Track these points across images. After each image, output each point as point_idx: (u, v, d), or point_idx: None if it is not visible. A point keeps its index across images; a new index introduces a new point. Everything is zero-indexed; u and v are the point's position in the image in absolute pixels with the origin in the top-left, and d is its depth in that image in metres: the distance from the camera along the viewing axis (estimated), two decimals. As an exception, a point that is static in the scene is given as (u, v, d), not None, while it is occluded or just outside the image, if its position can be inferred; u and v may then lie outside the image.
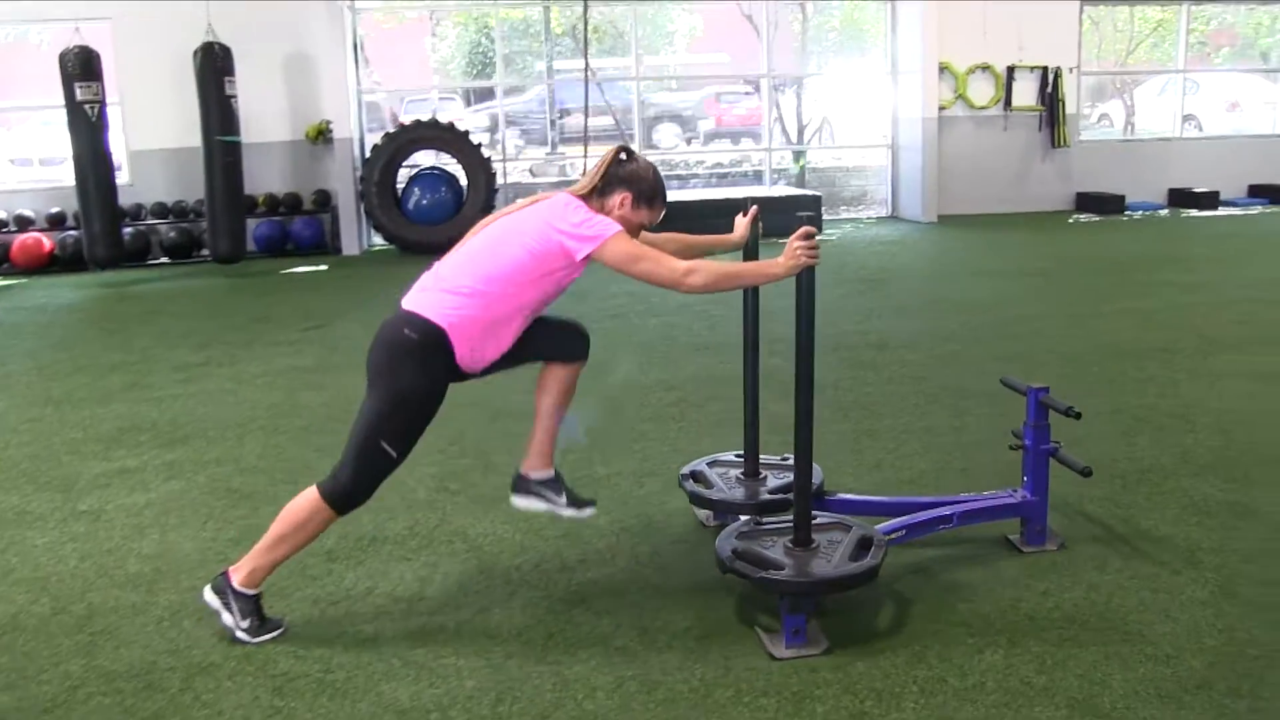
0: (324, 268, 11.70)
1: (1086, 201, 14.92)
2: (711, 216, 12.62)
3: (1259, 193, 15.94)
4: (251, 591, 3.32)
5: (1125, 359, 6.58)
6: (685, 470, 4.10)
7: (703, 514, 4.21)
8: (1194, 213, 14.90)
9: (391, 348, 3.22)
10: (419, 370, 3.21)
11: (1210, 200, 15.21)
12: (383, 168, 12.19)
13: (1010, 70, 14.64)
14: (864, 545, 3.37)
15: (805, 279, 3.19)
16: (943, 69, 14.29)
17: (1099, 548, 3.89)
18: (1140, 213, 14.86)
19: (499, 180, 13.07)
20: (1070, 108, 14.94)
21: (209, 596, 3.36)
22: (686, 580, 3.74)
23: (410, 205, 12.30)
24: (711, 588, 3.61)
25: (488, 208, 12.38)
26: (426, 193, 12.37)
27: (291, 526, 3.28)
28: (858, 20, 16.82)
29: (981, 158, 14.62)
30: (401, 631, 3.41)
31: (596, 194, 3.38)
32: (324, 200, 12.72)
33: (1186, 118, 19.93)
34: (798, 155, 15.70)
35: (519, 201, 3.43)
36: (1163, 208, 15.31)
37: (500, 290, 3.23)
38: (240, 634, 3.29)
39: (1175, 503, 4.28)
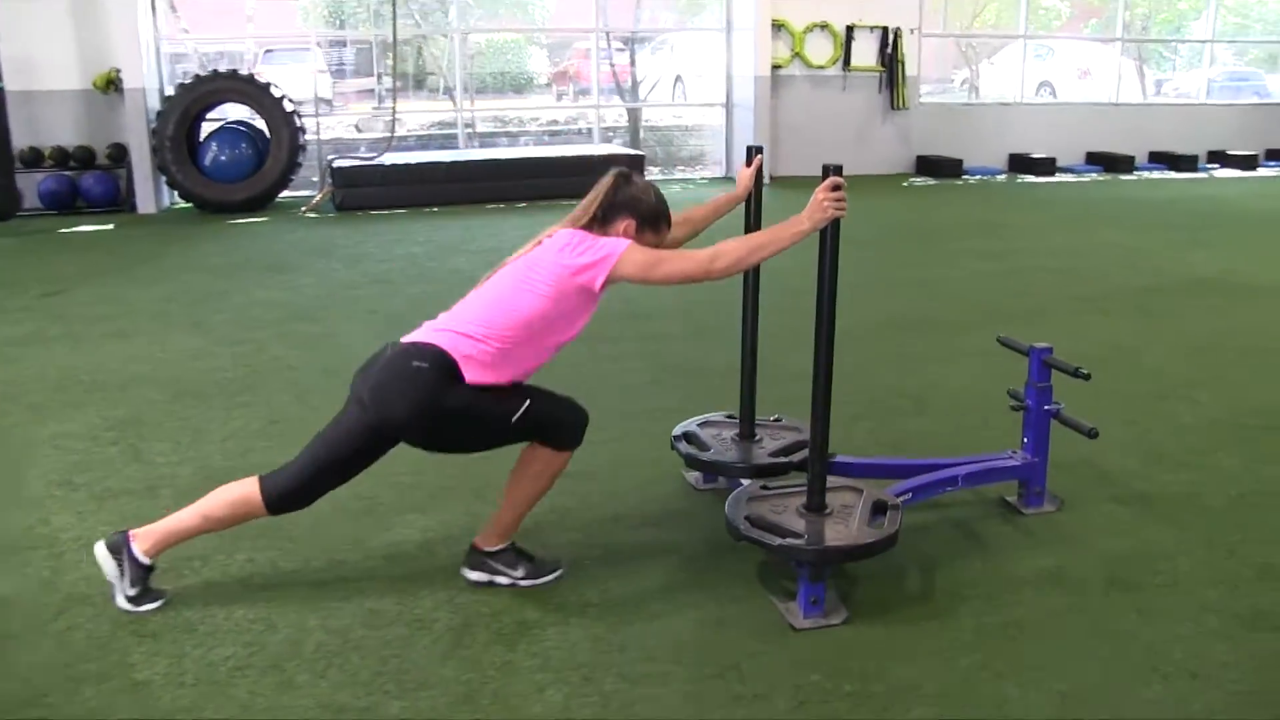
0: (110, 227, 10.92)
1: (926, 165, 14.72)
2: (532, 175, 12.50)
3: (1096, 160, 15.92)
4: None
5: (890, 334, 6.28)
6: (678, 431, 3.90)
7: (692, 476, 4.07)
8: (1030, 178, 14.81)
9: (400, 376, 3.03)
10: (437, 398, 3.01)
11: (1047, 166, 15.12)
12: (178, 121, 11.44)
13: (849, 29, 14.32)
14: (879, 510, 3.24)
15: (830, 232, 3.03)
16: (779, 27, 13.94)
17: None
18: (978, 177, 14.71)
19: (315, 135, 12.42)
20: (911, 69, 14.69)
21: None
22: (695, 547, 3.58)
23: (207, 161, 11.57)
24: (718, 552, 3.49)
25: (292, 165, 11.77)
26: (225, 148, 11.64)
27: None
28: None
29: (819, 118, 14.30)
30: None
31: (597, 223, 3.20)
32: (119, 155, 11.93)
33: (1042, 84, 19.97)
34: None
35: (526, 245, 3.22)
36: (1001, 173, 15.18)
37: (517, 335, 3.07)
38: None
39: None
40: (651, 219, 3.25)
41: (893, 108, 14.64)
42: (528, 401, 3.09)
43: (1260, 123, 17.68)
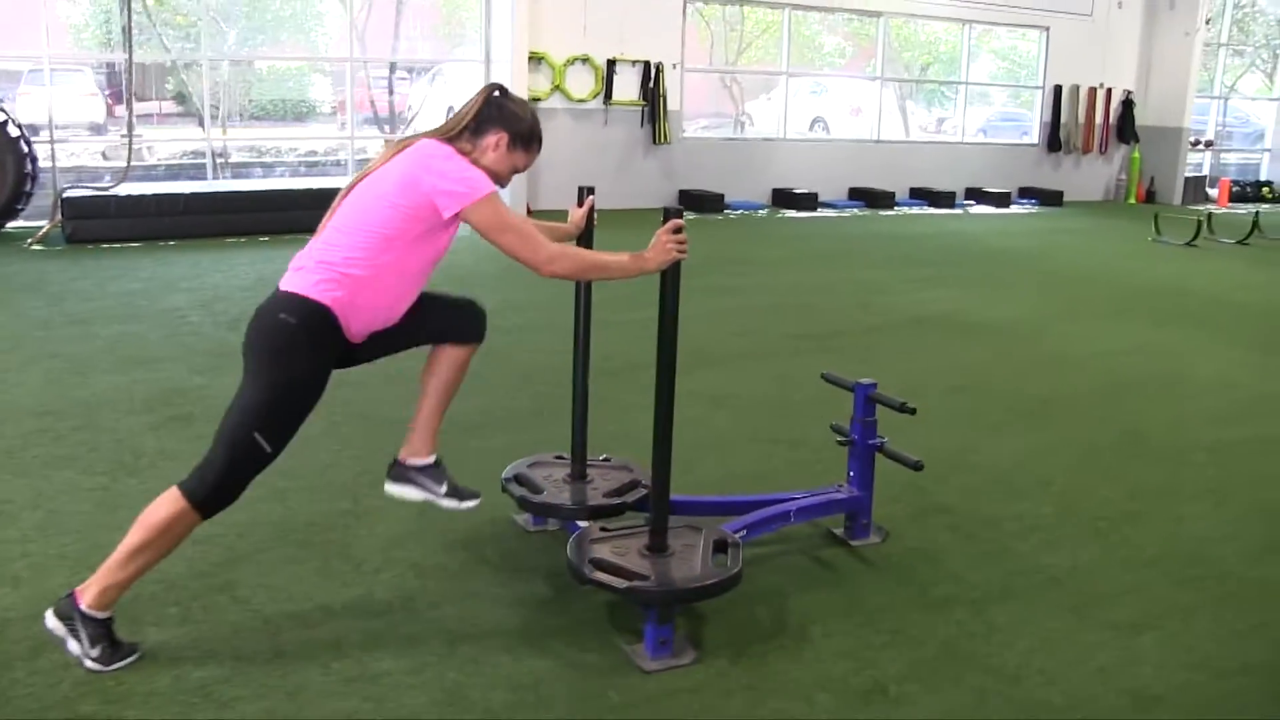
0: None
1: (688, 199, 14.65)
2: (274, 209, 11.80)
3: (858, 195, 16.17)
4: (102, 615, 2.94)
5: (598, 379, 5.97)
6: (509, 474, 3.84)
7: (522, 518, 4.00)
8: (792, 213, 14.90)
9: (270, 335, 2.95)
10: (300, 356, 2.95)
11: (809, 201, 15.27)
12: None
13: (611, 63, 14.19)
14: (720, 548, 3.28)
15: (671, 274, 3.08)
16: (539, 59, 13.70)
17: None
18: (740, 212, 14.73)
19: (50, 163, 11.54)
20: (673, 104, 14.64)
21: (51, 623, 2.95)
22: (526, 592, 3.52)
23: (-89, 191, 10.59)
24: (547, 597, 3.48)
25: (19, 194, 10.88)
26: (-68, 177, 10.67)
27: (151, 535, 2.91)
28: (457, 4, 16.01)
29: (581, 152, 14.10)
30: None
31: (469, 133, 3.11)
32: None
33: (816, 120, 20.31)
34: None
35: (381, 153, 3.13)
36: (764, 208, 15.25)
37: (377, 259, 2.97)
38: (90, 663, 2.91)
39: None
40: (524, 137, 3.18)
41: (655, 142, 14.55)
42: (272, 447, 2.95)
43: (1015, 161, 18.35)
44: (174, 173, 13.79)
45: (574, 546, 3.24)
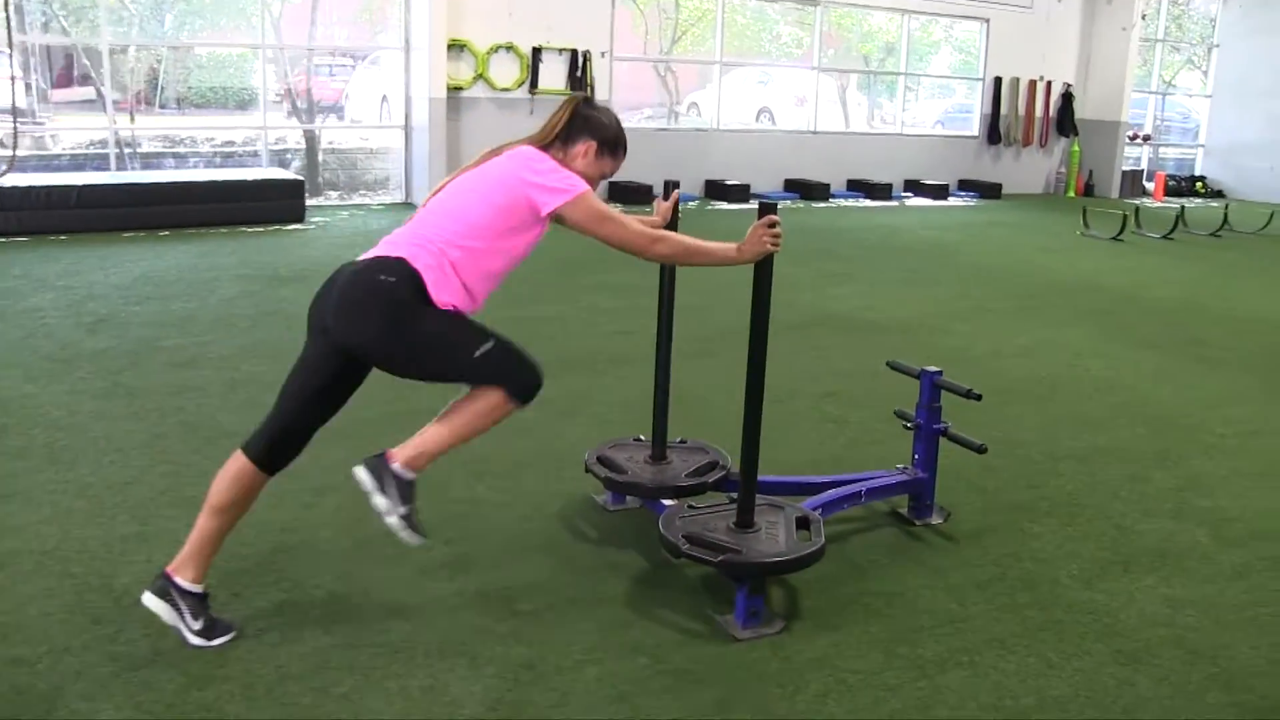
0: None
1: (616, 191, 14.42)
2: (175, 201, 11.40)
3: (793, 187, 16.00)
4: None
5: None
6: (592, 456, 4.07)
7: (601, 498, 4.23)
8: (723, 205, 14.70)
9: (375, 295, 2.97)
10: (411, 309, 2.97)
11: (741, 193, 15.07)
12: None
13: (536, 51, 13.93)
14: (802, 524, 3.50)
15: (764, 265, 3.25)
16: (462, 47, 13.41)
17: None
18: (669, 204, 14.49)
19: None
20: (602, 93, 14.40)
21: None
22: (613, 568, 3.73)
23: None
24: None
25: None
26: None
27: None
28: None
29: (506, 142, 13.82)
30: None
31: (559, 141, 3.26)
32: None
33: (762, 110, 20.09)
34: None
35: (476, 157, 3.26)
36: (694, 199, 15.04)
37: (469, 243, 3.05)
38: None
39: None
40: (611, 144, 3.31)
41: (582, 132, 14.28)
42: (493, 341, 3.03)
43: (955, 153, 18.24)
44: (79, 163, 13.35)
45: (665, 524, 3.46)
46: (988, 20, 18.09)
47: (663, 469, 4.01)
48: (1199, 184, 20.34)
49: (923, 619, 3.43)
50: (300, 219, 11.60)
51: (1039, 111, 18.77)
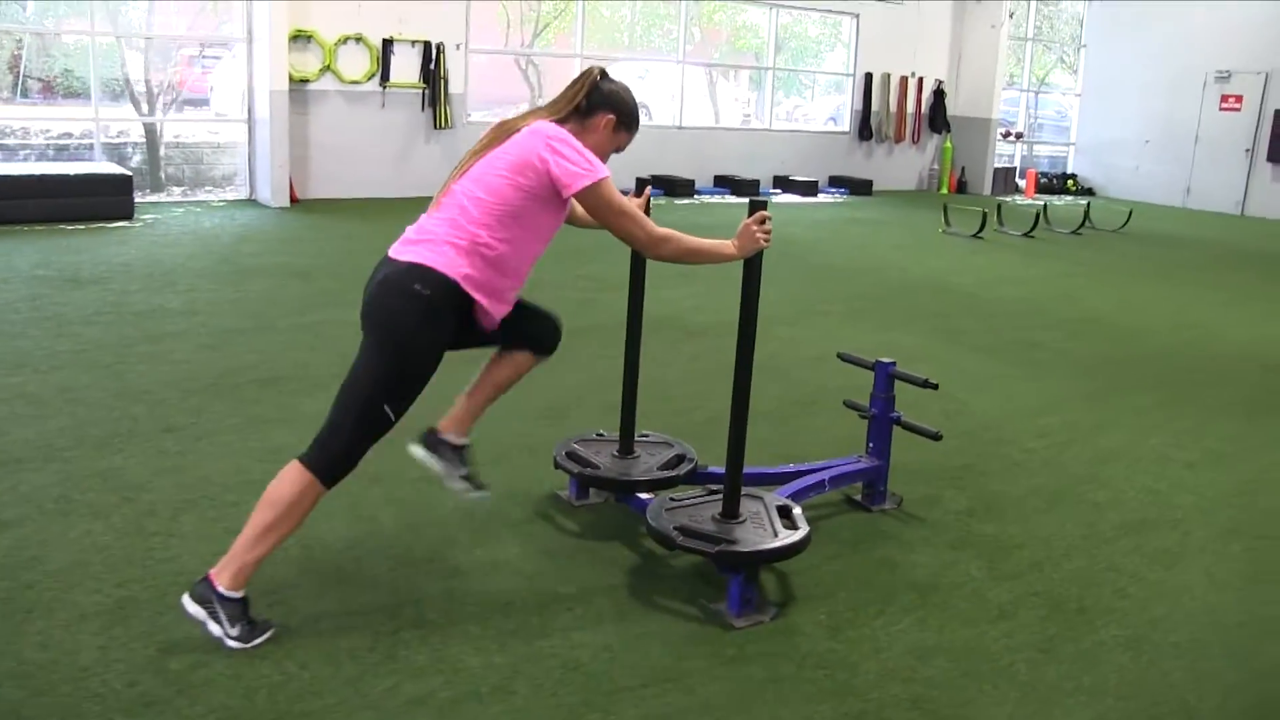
0: None
1: (473, 188, 13.97)
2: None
3: (657, 184, 15.67)
4: (238, 595, 3.02)
5: (228, 391, 5.30)
6: (562, 450, 4.11)
7: (565, 494, 4.25)
8: (583, 202, 14.31)
9: (402, 305, 3.03)
10: (430, 327, 3.05)
11: (601, 190, 14.68)
12: None
13: (387, 43, 13.41)
14: (784, 513, 3.57)
15: (754, 261, 3.33)
16: (308, 38, 12.86)
17: None
18: (527, 201, 14.08)
19: None
20: (456, 86, 13.94)
21: (191, 608, 3.02)
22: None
23: None
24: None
25: None
26: None
27: (279, 511, 3.00)
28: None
29: (356, 137, 13.36)
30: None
31: (578, 114, 3.25)
32: None
33: (640, 105, 19.75)
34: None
35: (487, 135, 3.21)
36: (554, 196, 14.62)
37: (503, 234, 3.10)
38: (231, 642, 3.00)
39: None
40: (629, 119, 3.32)
41: (436, 127, 13.82)
42: (395, 414, 3.08)
43: (826, 149, 18.09)
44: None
45: (654, 516, 3.52)
46: (857, 15, 17.96)
47: (632, 463, 4.06)
48: (1070, 182, 20.48)
49: (629, 678, 3.07)
50: (129, 216, 10.99)
51: (911, 108, 18.71)
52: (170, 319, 6.90)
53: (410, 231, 3.16)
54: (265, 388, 5.49)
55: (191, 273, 8.50)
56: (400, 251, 3.10)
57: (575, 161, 3.06)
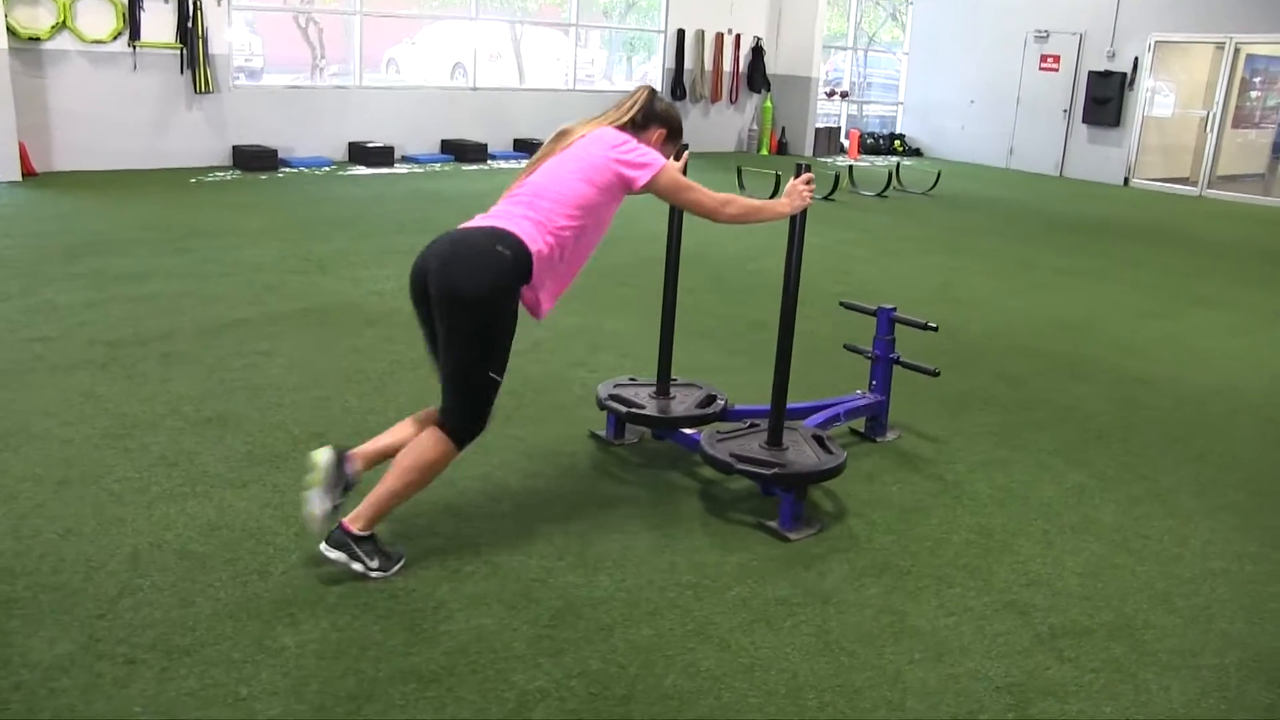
0: None
1: (242, 156, 12.99)
2: None
3: (450, 149, 14.81)
4: (369, 533, 3.37)
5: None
6: (605, 393, 4.58)
7: (602, 433, 4.71)
8: (362, 170, 13.41)
9: (481, 261, 3.23)
10: (509, 289, 3.28)
11: (384, 156, 13.81)
12: None
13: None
14: (819, 442, 4.09)
15: (800, 217, 3.87)
16: (33, -9, 11.68)
17: None
18: (300, 169, 13.14)
19: None
20: (219, 47, 12.89)
21: (332, 554, 3.36)
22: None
23: None
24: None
25: None
26: None
27: (419, 475, 3.36)
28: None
29: (105, 102, 12.25)
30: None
31: (633, 127, 3.64)
32: None
33: (456, 65, 18.82)
34: None
35: (550, 140, 3.58)
36: (330, 164, 13.68)
37: (578, 221, 3.39)
38: (375, 574, 3.36)
39: None
40: (677, 133, 3.78)
41: (197, 91, 12.77)
42: (502, 377, 3.38)
43: (640, 110, 17.33)
44: None
45: (709, 446, 4.02)
46: (670, -30, 17.25)
47: (671, 403, 4.52)
48: (897, 142, 20.11)
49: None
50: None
51: (728, 66, 18.09)
52: None
53: (478, 217, 3.40)
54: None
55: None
56: (472, 223, 3.37)
57: (639, 156, 3.49)
